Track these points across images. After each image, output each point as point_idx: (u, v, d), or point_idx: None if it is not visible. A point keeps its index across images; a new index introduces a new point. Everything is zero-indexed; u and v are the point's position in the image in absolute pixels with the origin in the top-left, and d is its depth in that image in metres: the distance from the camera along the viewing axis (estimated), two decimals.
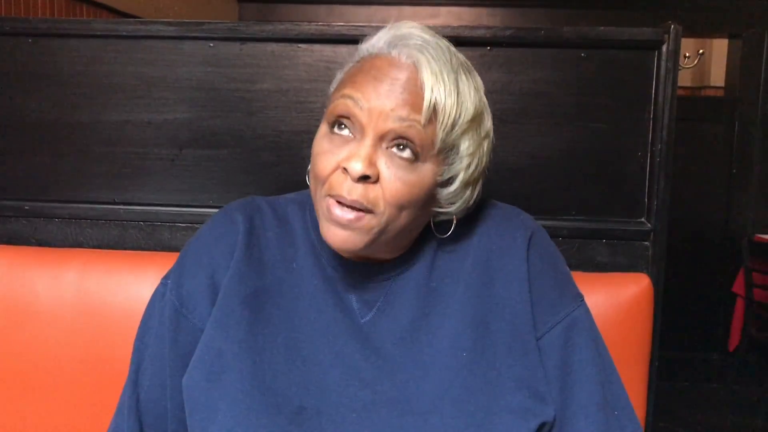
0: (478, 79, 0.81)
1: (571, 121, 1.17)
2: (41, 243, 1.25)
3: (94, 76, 1.21)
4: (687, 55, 2.78)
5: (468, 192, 0.81)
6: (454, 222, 0.83)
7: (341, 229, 0.74)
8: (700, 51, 2.72)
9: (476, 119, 0.77)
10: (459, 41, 1.14)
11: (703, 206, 3.80)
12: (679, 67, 1.15)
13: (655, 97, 1.15)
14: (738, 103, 3.78)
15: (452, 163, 0.77)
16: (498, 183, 1.17)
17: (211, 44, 1.19)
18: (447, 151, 0.76)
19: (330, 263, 0.83)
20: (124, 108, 1.21)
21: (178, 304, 0.82)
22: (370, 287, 0.82)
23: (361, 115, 0.74)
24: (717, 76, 4.44)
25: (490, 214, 0.87)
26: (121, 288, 1.13)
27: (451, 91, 0.74)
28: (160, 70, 1.20)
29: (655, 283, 1.12)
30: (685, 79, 4.62)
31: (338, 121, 0.76)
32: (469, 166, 0.78)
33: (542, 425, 0.76)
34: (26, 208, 1.24)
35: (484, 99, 0.80)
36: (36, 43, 1.22)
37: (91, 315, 1.12)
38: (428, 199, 0.78)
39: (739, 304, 3.48)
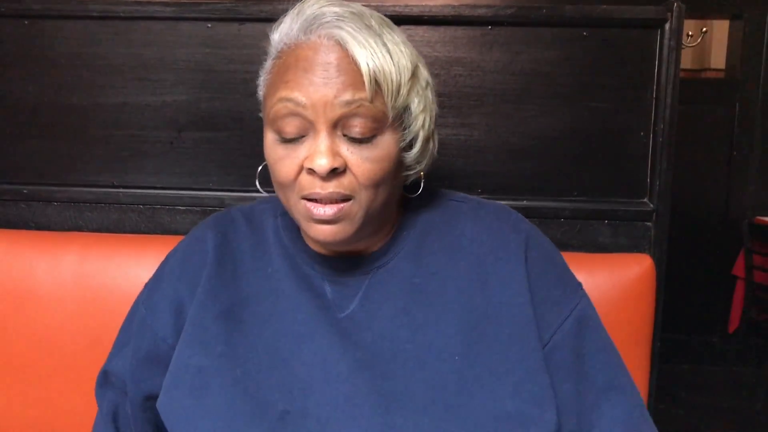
0: (398, 29, 0.78)
1: (572, 101, 1.15)
2: (40, 227, 1.24)
3: (91, 58, 1.20)
4: (690, 33, 2.74)
5: (430, 146, 0.81)
6: (422, 179, 0.82)
7: (327, 225, 0.74)
8: (703, 29, 2.69)
9: (415, 73, 0.76)
10: (460, 20, 1.13)
11: (704, 188, 3.78)
12: (682, 46, 1.14)
13: (657, 77, 1.14)
14: (739, 85, 3.75)
15: (409, 125, 0.76)
16: (499, 164, 1.17)
17: (209, 25, 1.17)
18: (400, 116, 0.75)
19: (305, 262, 0.82)
20: (122, 90, 1.20)
21: (145, 312, 0.86)
22: (348, 281, 0.81)
23: (306, 113, 0.71)
24: (717, 59, 4.40)
25: (479, 215, 0.84)
26: (121, 271, 1.12)
27: (385, 56, 0.72)
28: (158, 51, 1.19)
29: (658, 263, 1.11)
30: (685, 61, 4.58)
31: (284, 125, 0.73)
32: (424, 121, 0.77)
33: None
34: (24, 191, 1.24)
35: (412, 47, 0.78)
36: (32, 25, 1.20)
37: (90, 299, 1.11)
38: (398, 167, 0.77)
39: (739, 287, 3.47)
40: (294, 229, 0.85)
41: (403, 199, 0.85)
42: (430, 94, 0.78)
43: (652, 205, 1.15)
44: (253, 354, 0.78)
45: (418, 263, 0.81)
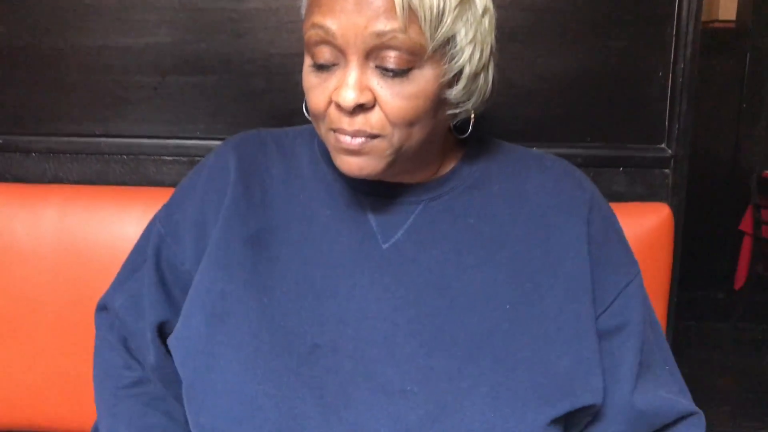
0: None
1: (586, 39, 1.07)
2: (18, 179, 1.18)
3: None
4: None
5: (481, 82, 0.71)
6: (472, 119, 0.75)
7: (354, 156, 0.69)
8: None
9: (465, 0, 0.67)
10: None
11: (711, 142, 3.70)
12: None
13: (678, 12, 1.05)
14: (750, 35, 3.64)
15: (453, 58, 0.67)
16: (507, 108, 1.10)
17: None
18: (443, 47, 0.67)
19: (346, 188, 0.77)
20: (101, 32, 1.12)
21: (164, 233, 0.81)
22: (395, 210, 0.76)
23: (337, 42, 0.65)
24: (727, 10, 4.28)
25: (545, 165, 0.81)
26: (104, 225, 1.08)
27: None
28: None
29: (676, 212, 1.06)
30: None
31: (317, 53, 0.68)
32: (472, 55, 0.68)
33: (588, 406, 0.72)
34: (0, 142, 1.17)
35: None
36: None
37: (73, 254, 1.07)
38: (437, 104, 0.69)
39: (746, 242, 3.43)
40: None
41: (456, 139, 0.80)
42: (486, 23, 0.69)
43: (670, 151, 1.09)
44: (281, 283, 0.73)
45: (475, 204, 0.77)
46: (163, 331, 0.81)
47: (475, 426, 0.67)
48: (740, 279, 3.45)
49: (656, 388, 0.76)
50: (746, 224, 3.40)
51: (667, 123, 1.09)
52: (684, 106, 1.07)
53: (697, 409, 0.78)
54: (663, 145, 1.10)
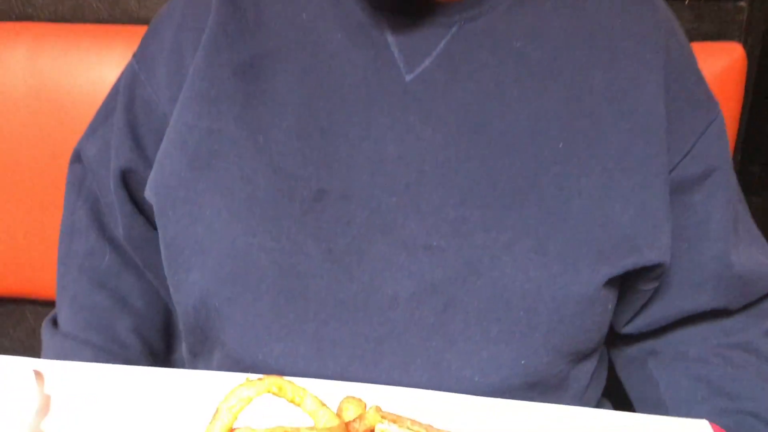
0: None
1: None
2: None
3: None
4: None
5: None
6: None
7: None
8: None
9: None
10: None
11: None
12: None
13: None
14: None
15: None
16: None
17: None
18: None
19: (360, 6, 0.64)
20: None
21: (137, 68, 0.71)
22: (422, 33, 0.63)
23: None
24: None
25: None
26: (82, 67, 1.00)
27: None
28: None
29: (750, 54, 0.95)
30: None
31: None
32: None
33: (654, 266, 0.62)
34: None
35: None
36: None
37: (46, 99, 1.00)
38: None
39: None
40: None
41: None
42: None
43: None
44: (280, 119, 0.63)
45: (522, 23, 0.64)
46: (129, 185, 0.72)
47: (516, 285, 0.58)
48: None
49: (754, 250, 0.66)
50: None
51: None
52: None
53: None
54: None
